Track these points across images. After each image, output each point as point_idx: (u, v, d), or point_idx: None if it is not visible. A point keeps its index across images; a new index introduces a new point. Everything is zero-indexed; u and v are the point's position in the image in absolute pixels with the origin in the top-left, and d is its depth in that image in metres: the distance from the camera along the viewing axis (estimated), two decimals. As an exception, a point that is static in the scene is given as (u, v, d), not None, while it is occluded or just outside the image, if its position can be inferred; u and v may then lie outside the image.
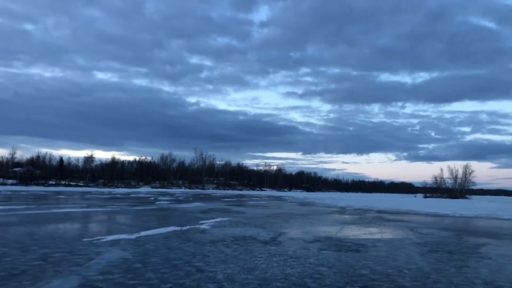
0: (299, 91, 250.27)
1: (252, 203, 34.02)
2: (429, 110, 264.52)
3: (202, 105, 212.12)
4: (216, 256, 7.48)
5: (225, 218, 16.01)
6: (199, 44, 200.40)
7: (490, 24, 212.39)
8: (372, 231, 12.82)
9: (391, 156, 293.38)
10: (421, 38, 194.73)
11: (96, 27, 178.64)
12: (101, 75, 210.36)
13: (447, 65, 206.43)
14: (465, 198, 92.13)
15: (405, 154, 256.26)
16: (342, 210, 25.84)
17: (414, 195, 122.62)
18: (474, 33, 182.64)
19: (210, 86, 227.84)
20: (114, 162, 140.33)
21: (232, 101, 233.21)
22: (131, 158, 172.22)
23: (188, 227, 12.36)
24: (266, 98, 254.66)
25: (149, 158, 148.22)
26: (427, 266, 7.10)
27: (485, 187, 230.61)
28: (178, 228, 11.84)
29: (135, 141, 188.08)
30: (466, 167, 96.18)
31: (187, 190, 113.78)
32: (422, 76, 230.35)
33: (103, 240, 9.12)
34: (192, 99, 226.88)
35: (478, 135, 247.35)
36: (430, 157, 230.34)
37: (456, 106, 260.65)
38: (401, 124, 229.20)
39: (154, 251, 7.86)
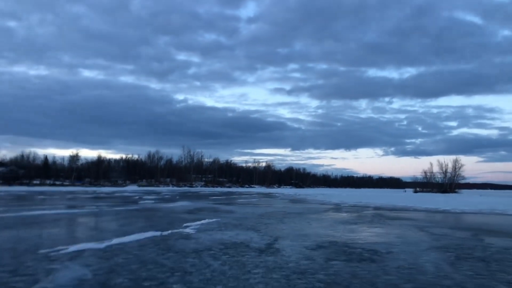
0: (287, 87, 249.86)
1: (241, 201, 32.45)
2: (416, 105, 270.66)
3: (190, 102, 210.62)
4: (200, 272, 5.89)
5: (213, 219, 14.41)
6: (186, 41, 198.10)
7: (475, 19, 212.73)
8: (379, 233, 11.34)
9: (379, 151, 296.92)
10: (407, 33, 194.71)
11: (82, 24, 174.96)
12: (87, 73, 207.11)
13: (434, 60, 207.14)
14: (455, 192, 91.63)
15: (392, 149, 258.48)
16: (338, 207, 24.39)
17: (404, 190, 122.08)
18: (460, 28, 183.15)
19: (198, 83, 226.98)
20: (100, 161, 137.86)
21: (220, 98, 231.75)
22: (117, 156, 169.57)
23: (169, 231, 10.74)
24: (254, 95, 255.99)
25: (136, 156, 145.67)
26: (467, 281, 5.59)
27: (471, 181, 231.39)
28: (158, 233, 10.22)
29: (122, 139, 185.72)
30: (455, 161, 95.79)
31: (175, 188, 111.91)
32: (409, 71, 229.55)
33: (63, 251, 7.47)
34: (180, 96, 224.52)
35: (464, 130, 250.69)
36: (417, 152, 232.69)
37: (443, 101, 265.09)
38: (388, 119, 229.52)
39: (123, 266, 6.24)
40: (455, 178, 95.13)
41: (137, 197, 37.23)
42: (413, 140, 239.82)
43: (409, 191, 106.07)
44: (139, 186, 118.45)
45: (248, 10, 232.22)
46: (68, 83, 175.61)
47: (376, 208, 23.88)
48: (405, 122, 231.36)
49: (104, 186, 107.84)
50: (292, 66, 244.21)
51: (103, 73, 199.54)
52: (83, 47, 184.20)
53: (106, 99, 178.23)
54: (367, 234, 10.91)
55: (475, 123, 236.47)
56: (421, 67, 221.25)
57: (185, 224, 12.58)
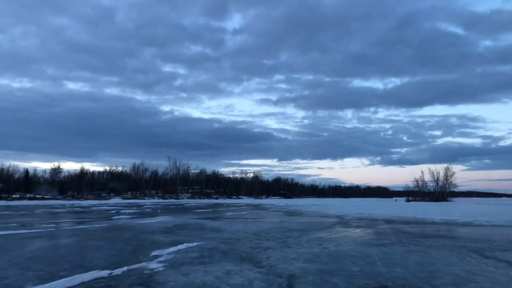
0: (273, 97, 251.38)
1: (230, 214, 28.69)
2: (400, 114, 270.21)
3: (176, 113, 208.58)
4: None
5: (194, 243, 10.68)
6: (172, 52, 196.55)
7: (457, 30, 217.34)
8: (431, 263, 7.77)
9: (365, 161, 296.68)
10: (391, 44, 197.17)
11: (66, 36, 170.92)
12: (71, 85, 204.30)
13: (418, 70, 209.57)
14: (447, 200, 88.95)
15: (378, 158, 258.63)
16: (343, 221, 20.80)
17: (395, 199, 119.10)
18: (442, 38, 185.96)
19: (184, 94, 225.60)
20: (83, 173, 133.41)
21: (206, 109, 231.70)
22: (102, 168, 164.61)
23: (125, 268, 7.01)
24: (240, 106, 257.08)
25: (120, 168, 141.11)
26: None
27: (456, 189, 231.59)
28: (106, 273, 6.51)
29: (108, 152, 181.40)
30: (447, 169, 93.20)
31: (160, 200, 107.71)
32: (393, 82, 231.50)
33: None
34: (166, 108, 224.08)
35: (449, 139, 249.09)
36: (403, 161, 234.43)
37: (427, 110, 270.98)
38: (373, 129, 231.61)
39: None
40: (447, 186, 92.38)
41: (114, 211, 33.23)
42: (398, 150, 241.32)
43: (400, 200, 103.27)
44: (123, 198, 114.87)
45: (233, 22, 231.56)
46: (52, 96, 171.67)
47: (387, 221, 20.38)
48: (390, 132, 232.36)
49: (87, 199, 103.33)
50: (278, 77, 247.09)
51: (88, 85, 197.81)
52: (67, 59, 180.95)
53: (91, 111, 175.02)
54: (420, 269, 7.31)
55: (459, 132, 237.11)
56: (405, 77, 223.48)
57: (154, 253, 8.86)
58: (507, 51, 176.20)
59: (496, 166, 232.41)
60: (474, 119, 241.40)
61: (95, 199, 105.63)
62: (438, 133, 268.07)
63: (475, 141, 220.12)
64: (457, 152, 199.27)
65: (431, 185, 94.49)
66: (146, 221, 20.61)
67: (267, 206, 50.15)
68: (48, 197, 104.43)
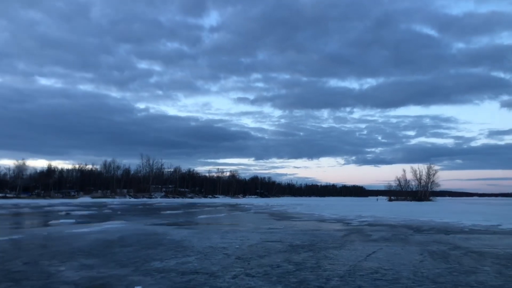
0: (251, 96, 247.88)
1: (203, 217, 23.15)
2: (376, 115, 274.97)
3: (152, 111, 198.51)
4: None
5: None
6: (148, 49, 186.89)
7: (432, 32, 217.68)
8: None
9: (340, 160, 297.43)
10: (367, 45, 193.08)
11: (38, 31, 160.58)
12: (44, 81, 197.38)
13: (393, 71, 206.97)
14: (430, 200, 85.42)
15: (353, 158, 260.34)
16: (354, 228, 15.49)
17: (376, 198, 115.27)
18: (417, 40, 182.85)
19: (160, 92, 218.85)
20: (50, 171, 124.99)
21: (183, 107, 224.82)
22: (71, 166, 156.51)
23: None
24: (217, 104, 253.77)
25: (90, 166, 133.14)
26: None
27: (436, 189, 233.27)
28: None
29: (81, 150, 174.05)
30: (430, 168, 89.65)
31: (131, 199, 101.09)
32: (369, 82, 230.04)
33: None
34: (141, 105, 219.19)
35: (422, 139, 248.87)
36: (377, 161, 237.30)
37: (402, 111, 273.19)
38: (349, 129, 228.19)
39: None
40: (430, 185, 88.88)
41: (64, 212, 27.26)
42: (373, 149, 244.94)
43: (381, 199, 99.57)
44: (93, 197, 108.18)
45: (211, 19, 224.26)
46: (23, 92, 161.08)
47: (411, 228, 15.22)
48: (365, 132, 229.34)
49: (53, 198, 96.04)
50: (255, 76, 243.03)
51: (61, 81, 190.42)
52: (40, 55, 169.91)
53: (64, 108, 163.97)
54: None
55: (432, 133, 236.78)
56: (380, 78, 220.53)
57: None
58: (479, 54, 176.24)
59: (467, 166, 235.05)
60: (447, 120, 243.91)
61: (62, 197, 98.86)
62: (412, 133, 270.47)
63: (448, 142, 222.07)
64: (430, 152, 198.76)
65: (413, 184, 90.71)
66: (88, 229, 14.82)
67: (247, 206, 44.65)
68: (10, 196, 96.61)
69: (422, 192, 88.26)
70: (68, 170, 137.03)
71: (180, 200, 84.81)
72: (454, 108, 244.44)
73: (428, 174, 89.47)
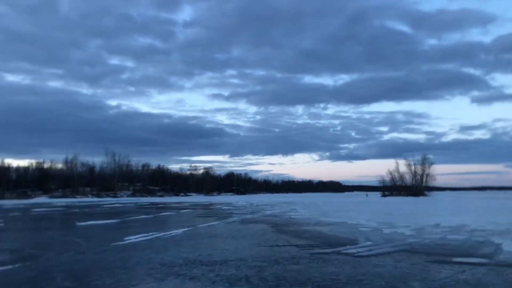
0: (226, 93, 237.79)
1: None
2: (349, 111, 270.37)
3: (124, 108, 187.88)
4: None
5: None
6: (119, 44, 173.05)
7: (405, 28, 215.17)
8: None
9: (314, 156, 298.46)
10: (342, 41, 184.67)
11: (3, 24, 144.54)
12: (10, 77, 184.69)
13: (367, 67, 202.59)
14: (425, 195, 75.03)
15: (327, 154, 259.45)
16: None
17: (366, 194, 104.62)
18: (391, 36, 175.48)
19: (132, 88, 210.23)
20: (4, 168, 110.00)
21: (155, 104, 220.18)
22: (26, 163, 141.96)
23: None
24: (191, 100, 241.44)
25: (49, 163, 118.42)
26: None
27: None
28: None
29: (50, 148, 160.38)
30: (425, 160, 79.22)
31: (93, 199, 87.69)
32: (343, 78, 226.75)
33: None
34: (113, 102, 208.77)
35: (394, 134, 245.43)
36: (351, 156, 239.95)
37: (375, 107, 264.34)
38: (323, 125, 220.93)
39: None
40: (426, 179, 78.50)
41: None
42: (346, 145, 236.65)
43: (371, 195, 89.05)
44: (51, 197, 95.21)
45: (184, 14, 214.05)
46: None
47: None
48: (339, 128, 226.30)
49: (5, 198, 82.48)
50: (230, 72, 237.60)
51: (29, 77, 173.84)
52: (5, 49, 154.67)
53: (32, 105, 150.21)
54: None
55: (405, 128, 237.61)
56: (354, 74, 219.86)
57: None
58: (451, 50, 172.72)
59: (438, 161, 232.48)
60: (419, 115, 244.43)
61: (16, 198, 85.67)
62: (384, 129, 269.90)
63: (419, 137, 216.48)
64: (402, 147, 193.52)
65: (407, 178, 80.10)
66: None
67: (224, 207, 31.97)
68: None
69: (417, 187, 77.74)
70: (25, 168, 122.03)
71: (146, 199, 71.33)
72: (426, 104, 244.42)
73: (423, 168, 79.09)
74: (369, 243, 8.96)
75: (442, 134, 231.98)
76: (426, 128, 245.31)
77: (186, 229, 13.06)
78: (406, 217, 17.62)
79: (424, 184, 79.93)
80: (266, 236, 10.86)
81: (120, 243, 9.75)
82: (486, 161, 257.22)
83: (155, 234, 11.56)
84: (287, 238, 10.31)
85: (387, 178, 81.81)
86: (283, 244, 9.11)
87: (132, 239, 10.43)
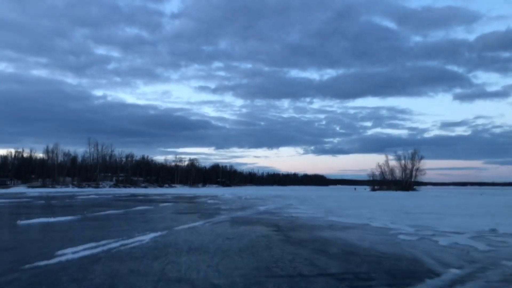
0: (212, 85, 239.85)
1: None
2: (334, 105, 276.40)
3: (109, 98, 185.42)
4: None
5: None
6: (105, 34, 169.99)
7: (391, 25, 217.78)
8: None
9: (299, 150, 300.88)
10: (328, 35, 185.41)
11: None
12: None
13: (352, 63, 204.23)
14: (414, 190, 72.45)
15: (312, 147, 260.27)
16: None
17: (354, 187, 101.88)
18: (377, 32, 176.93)
19: (118, 79, 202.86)
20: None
21: (141, 95, 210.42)
22: (5, 151, 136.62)
23: None
24: (178, 92, 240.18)
25: (28, 152, 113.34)
26: None
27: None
28: None
29: (34, 138, 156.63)
30: (415, 154, 76.48)
31: (73, 189, 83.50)
32: (329, 73, 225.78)
33: None
34: (98, 92, 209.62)
35: (378, 130, 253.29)
36: (335, 151, 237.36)
37: (360, 102, 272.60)
38: (309, 119, 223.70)
39: None
40: (416, 173, 75.85)
41: None
42: (331, 139, 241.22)
43: (360, 188, 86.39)
44: (29, 187, 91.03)
45: (172, 5, 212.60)
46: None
47: None
48: (324, 122, 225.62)
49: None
50: (217, 64, 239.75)
51: (12, 65, 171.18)
52: None
53: (16, 94, 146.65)
54: None
55: (388, 124, 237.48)
56: (340, 69, 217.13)
57: None
58: (435, 47, 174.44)
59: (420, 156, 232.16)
60: (402, 111, 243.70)
61: None
62: (368, 124, 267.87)
63: (402, 132, 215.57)
64: (385, 142, 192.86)
65: (397, 172, 77.36)
66: None
67: (210, 201, 28.24)
68: None
69: (407, 181, 75.03)
70: (4, 157, 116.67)
71: (127, 190, 67.16)
72: (410, 100, 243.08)
73: (412, 162, 76.39)
74: (455, 271, 5.37)
75: (425, 130, 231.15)
76: (409, 124, 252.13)
77: (157, 233, 9.35)
78: (436, 217, 14.18)
79: (413, 178, 77.24)
80: (274, 250, 7.23)
81: (44, 262, 6.00)
82: (467, 157, 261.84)
83: (109, 243, 7.82)
84: (307, 255, 6.71)
85: (377, 172, 79.08)
86: (310, 273, 5.48)
87: (68, 253, 6.69)
